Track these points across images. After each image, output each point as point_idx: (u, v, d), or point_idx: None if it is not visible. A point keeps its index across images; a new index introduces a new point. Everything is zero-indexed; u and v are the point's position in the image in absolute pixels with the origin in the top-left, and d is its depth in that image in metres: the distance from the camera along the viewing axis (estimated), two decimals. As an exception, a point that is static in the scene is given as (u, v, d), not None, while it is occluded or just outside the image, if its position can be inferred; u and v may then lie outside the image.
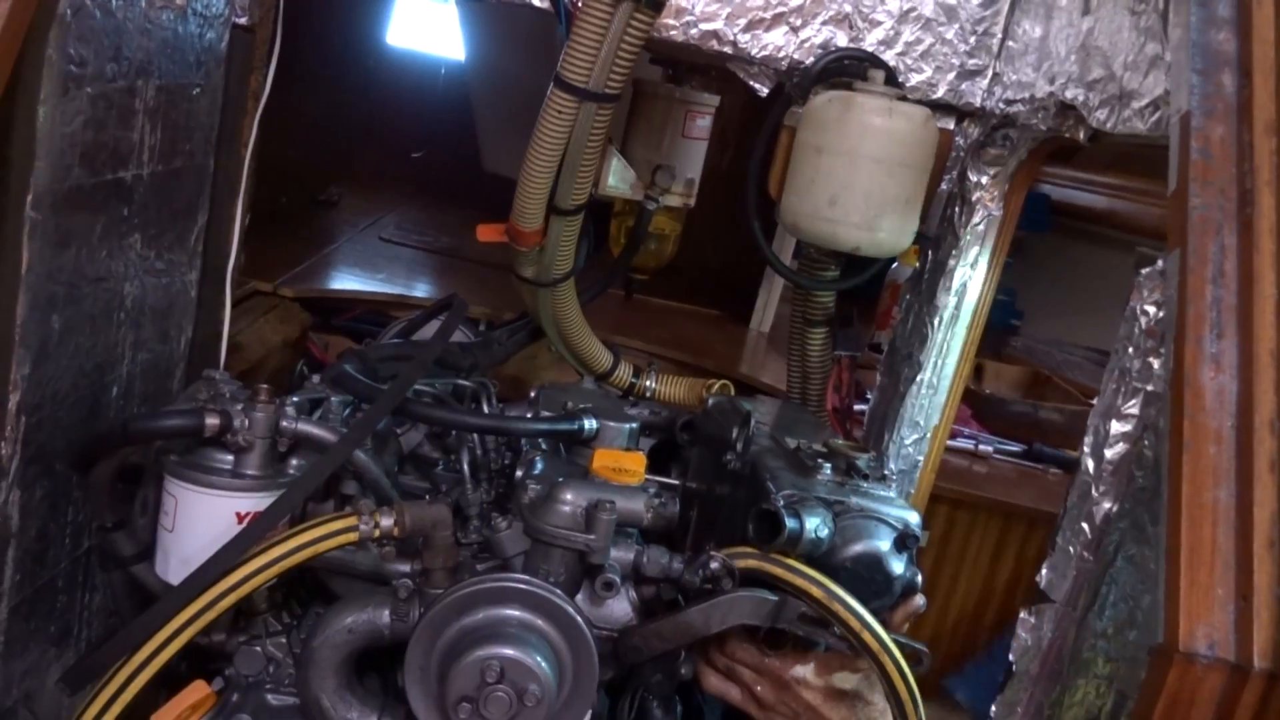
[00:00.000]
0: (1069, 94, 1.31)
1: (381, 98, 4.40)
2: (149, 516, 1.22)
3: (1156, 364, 1.02)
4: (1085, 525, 1.07)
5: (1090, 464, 1.08)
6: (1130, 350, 1.05)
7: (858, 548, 1.31)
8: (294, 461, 1.17)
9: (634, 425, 1.43)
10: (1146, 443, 1.02)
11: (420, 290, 2.83)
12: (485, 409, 1.63)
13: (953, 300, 1.63)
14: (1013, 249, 1.70)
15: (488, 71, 3.64)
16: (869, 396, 1.93)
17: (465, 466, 1.36)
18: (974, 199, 1.60)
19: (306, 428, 1.15)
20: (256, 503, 1.13)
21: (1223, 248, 0.97)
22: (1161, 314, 1.02)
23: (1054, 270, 4.03)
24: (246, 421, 1.11)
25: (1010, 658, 1.15)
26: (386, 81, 4.39)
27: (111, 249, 1.20)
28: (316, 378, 1.43)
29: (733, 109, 2.20)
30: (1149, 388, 1.03)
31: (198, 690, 1.21)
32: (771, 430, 1.56)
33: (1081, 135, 1.34)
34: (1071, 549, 1.09)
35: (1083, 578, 1.07)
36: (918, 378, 1.66)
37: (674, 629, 1.21)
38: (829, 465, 1.43)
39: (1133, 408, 1.04)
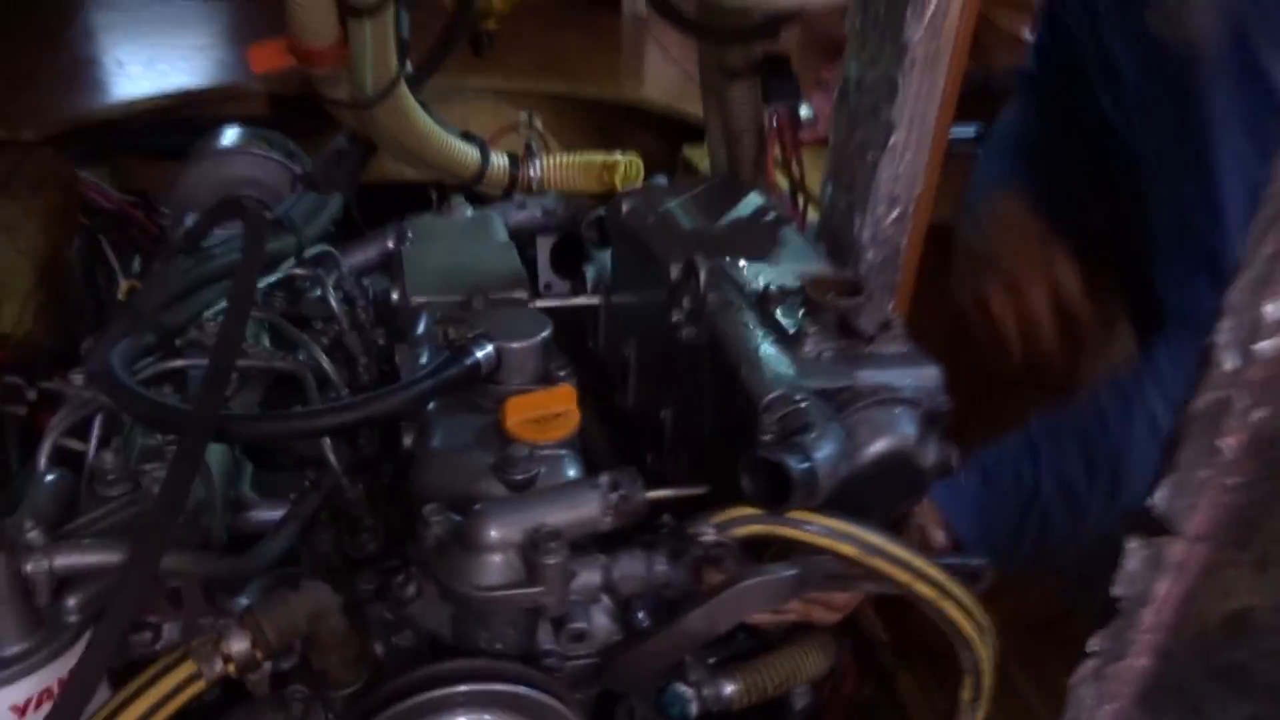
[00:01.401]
0: None
1: None
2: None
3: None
4: (1226, 444, 0.76)
5: (1228, 361, 0.74)
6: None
7: (878, 447, 1.00)
8: (71, 599, 0.77)
9: (546, 333, 1.03)
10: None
11: (215, 69, 2.17)
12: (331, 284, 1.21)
13: (924, 33, 1.19)
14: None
15: None
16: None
17: (334, 461, 0.96)
18: (944, -120, 1.10)
19: (72, 560, 0.74)
20: (36, 682, 0.74)
21: None
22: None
23: None
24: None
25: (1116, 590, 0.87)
26: None
27: None
28: (79, 378, 0.98)
29: None
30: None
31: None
32: (711, 249, 1.19)
33: None
34: (1201, 474, 0.78)
35: (1227, 516, 0.77)
36: (890, 141, 1.25)
37: (672, 643, 0.91)
38: (816, 327, 1.07)
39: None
